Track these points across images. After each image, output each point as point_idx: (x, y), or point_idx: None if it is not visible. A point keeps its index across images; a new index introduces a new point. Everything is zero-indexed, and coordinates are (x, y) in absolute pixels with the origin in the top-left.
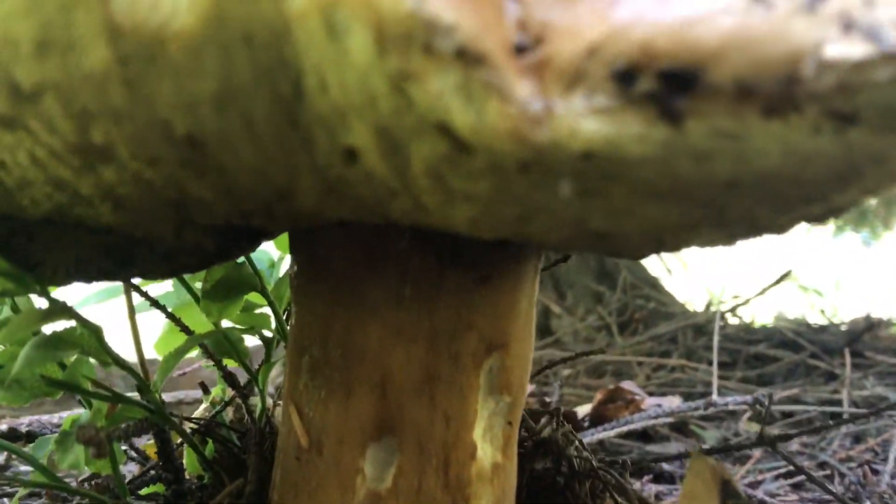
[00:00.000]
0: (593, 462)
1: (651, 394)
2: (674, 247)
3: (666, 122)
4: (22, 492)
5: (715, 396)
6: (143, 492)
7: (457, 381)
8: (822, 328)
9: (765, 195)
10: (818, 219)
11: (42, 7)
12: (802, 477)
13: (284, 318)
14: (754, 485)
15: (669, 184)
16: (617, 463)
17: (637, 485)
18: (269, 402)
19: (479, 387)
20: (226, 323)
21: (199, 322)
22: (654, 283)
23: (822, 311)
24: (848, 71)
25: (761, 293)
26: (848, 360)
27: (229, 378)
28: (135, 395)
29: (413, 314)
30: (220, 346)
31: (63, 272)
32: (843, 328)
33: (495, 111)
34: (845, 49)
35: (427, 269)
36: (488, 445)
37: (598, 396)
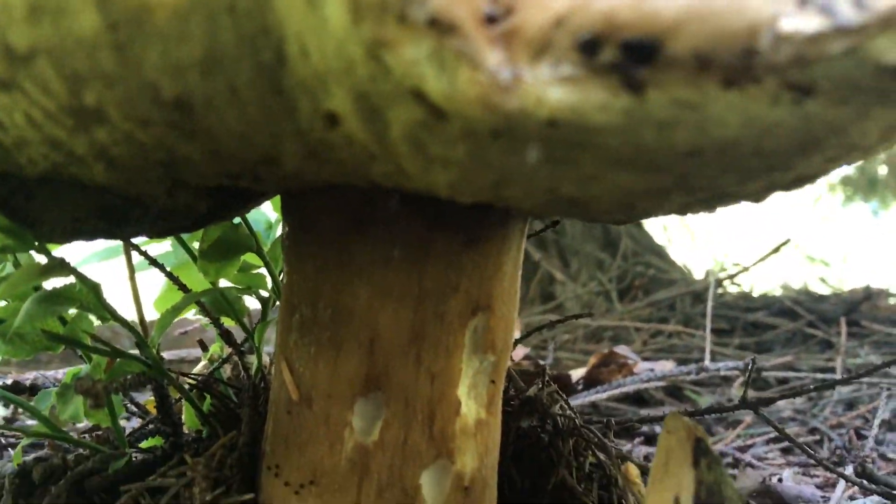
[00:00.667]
0: (576, 421)
1: (647, 359)
2: (646, 212)
3: (628, 91)
4: (25, 441)
5: (707, 362)
6: (143, 444)
7: (442, 341)
8: (822, 297)
9: (727, 164)
10: (788, 187)
11: None
12: (796, 441)
13: (280, 278)
14: (744, 448)
15: (634, 151)
16: (601, 423)
17: (628, 446)
18: (266, 359)
19: (464, 346)
20: (224, 283)
21: (198, 281)
22: (658, 251)
23: (824, 280)
24: (803, 44)
25: (760, 261)
26: (844, 329)
27: (226, 336)
28: (135, 351)
29: (401, 275)
30: (218, 304)
31: (61, 230)
32: (843, 298)
33: (466, 79)
34: (800, 22)
35: (415, 233)
36: (473, 402)
37: (593, 360)
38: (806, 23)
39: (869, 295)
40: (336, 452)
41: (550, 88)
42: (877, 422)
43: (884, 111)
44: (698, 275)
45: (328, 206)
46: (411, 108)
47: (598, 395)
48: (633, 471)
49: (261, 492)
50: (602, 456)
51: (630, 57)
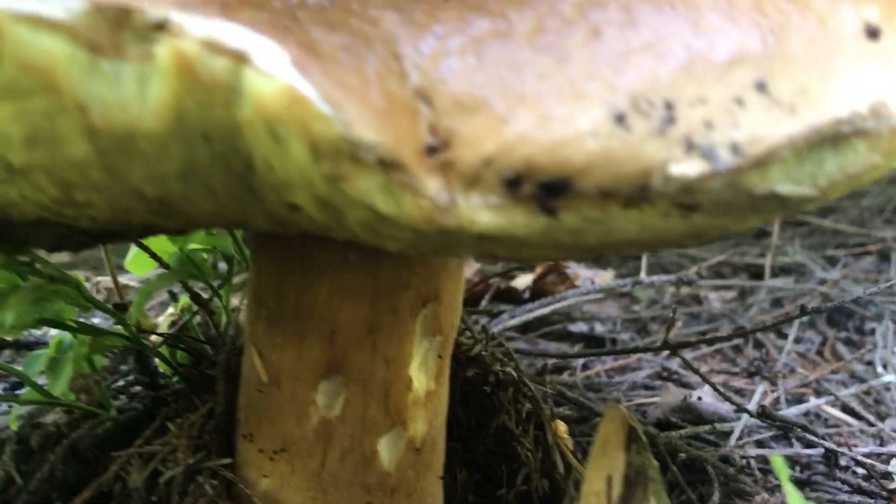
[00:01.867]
0: (514, 375)
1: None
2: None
3: (544, 214)
4: (18, 410)
5: (643, 275)
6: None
7: (395, 331)
8: None
9: (630, 248)
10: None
11: (29, 115)
12: (723, 344)
13: (243, 240)
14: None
15: (553, 247)
16: (536, 366)
17: (574, 352)
18: (235, 303)
19: (416, 332)
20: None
21: (167, 246)
22: None
23: None
24: (689, 181)
25: None
26: (776, 225)
27: (196, 298)
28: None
29: (357, 275)
30: (187, 269)
31: (46, 246)
32: None
33: (411, 203)
34: (686, 167)
35: None
36: (423, 376)
37: (538, 270)
38: (691, 167)
39: None
40: (303, 425)
41: (480, 212)
42: (791, 336)
43: (757, 217)
44: None
45: None
46: (365, 213)
47: (541, 311)
48: (562, 427)
49: (237, 455)
50: (532, 404)
51: (545, 191)
